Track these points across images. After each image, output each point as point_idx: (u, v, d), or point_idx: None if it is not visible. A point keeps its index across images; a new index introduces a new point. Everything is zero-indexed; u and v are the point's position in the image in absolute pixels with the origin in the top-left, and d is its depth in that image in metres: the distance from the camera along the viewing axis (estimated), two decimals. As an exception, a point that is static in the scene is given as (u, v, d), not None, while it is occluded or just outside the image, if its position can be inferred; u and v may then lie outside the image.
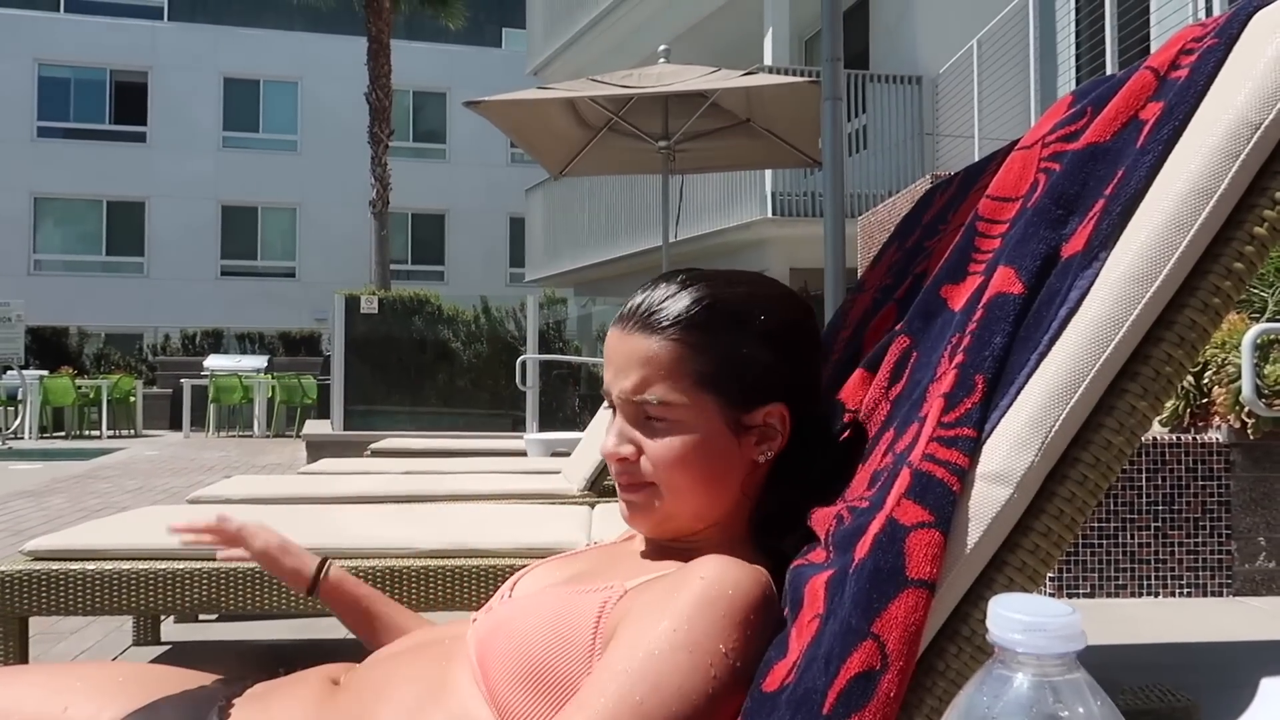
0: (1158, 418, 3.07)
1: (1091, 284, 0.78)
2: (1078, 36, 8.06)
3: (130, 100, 22.95)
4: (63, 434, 13.42)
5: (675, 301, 0.92)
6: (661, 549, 0.97)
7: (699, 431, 0.90)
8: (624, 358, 0.92)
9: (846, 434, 1.06)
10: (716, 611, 0.79)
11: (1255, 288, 3.70)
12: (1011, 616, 0.42)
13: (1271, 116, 0.76)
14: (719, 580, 0.81)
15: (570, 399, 10.15)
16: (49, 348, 17.17)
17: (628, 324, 0.93)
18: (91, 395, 13.69)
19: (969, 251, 0.99)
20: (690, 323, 0.91)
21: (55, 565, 1.88)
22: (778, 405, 0.93)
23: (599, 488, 2.82)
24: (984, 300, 0.85)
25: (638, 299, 0.94)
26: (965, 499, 0.75)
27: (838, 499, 0.93)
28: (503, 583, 1.08)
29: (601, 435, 3.22)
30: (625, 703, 0.75)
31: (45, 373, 13.67)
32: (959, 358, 0.82)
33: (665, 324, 0.91)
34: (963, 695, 0.43)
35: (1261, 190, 0.76)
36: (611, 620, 0.84)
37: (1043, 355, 0.77)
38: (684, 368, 0.90)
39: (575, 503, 2.72)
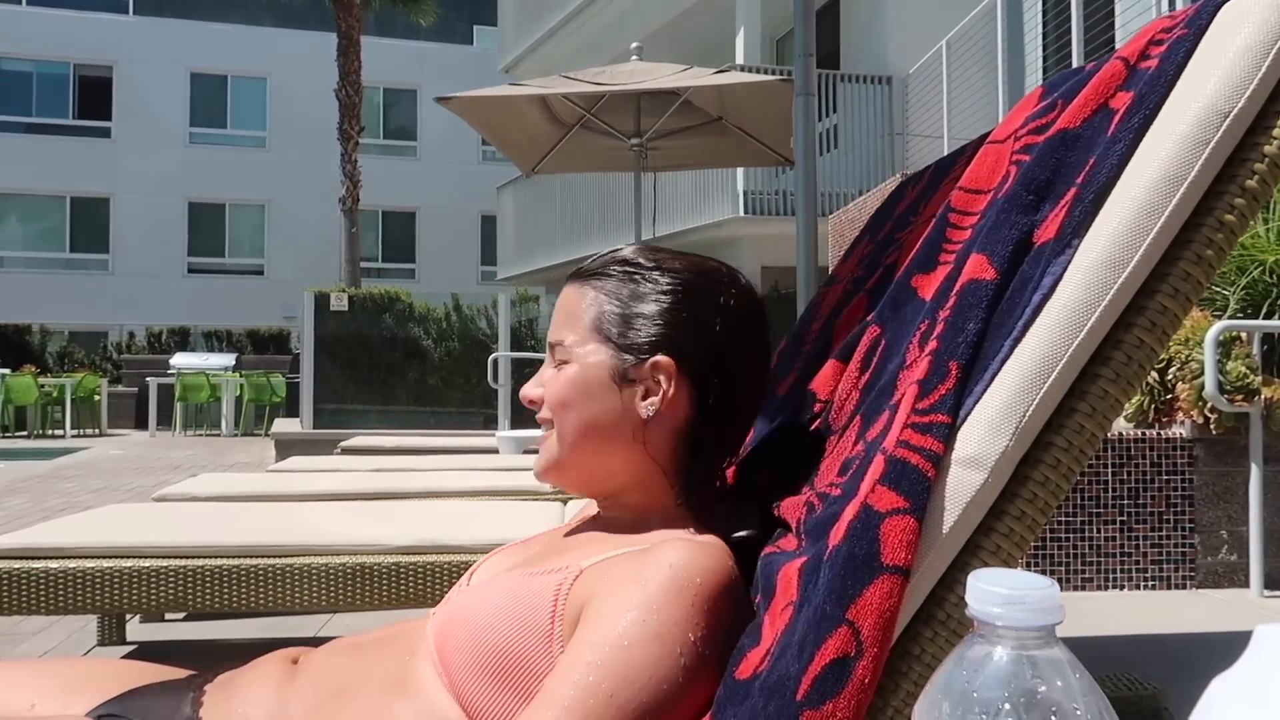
0: (1123, 414, 3.08)
1: (1065, 270, 0.78)
2: (1045, 38, 8.15)
3: (94, 95, 22.58)
4: (25, 433, 13.18)
5: (600, 259, 0.99)
6: (612, 527, 0.96)
7: (583, 374, 0.94)
8: (555, 311, 1.00)
9: (816, 423, 1.07)
10: (685, 600, 0.79)
11: (1217, 286, 3.76)
12: (991, 590, 0.42)
13: (1240, 104, 0.77)
14: (687, 567, 0.81)
15: (542, 397, 10.11)
16: (11, 346, 16.84)
17: (568, 280, 1.00)
18: (55, 394, 13.46)
19: (940, 242, 1.00)
20: (600, 276, 0.97)
21: (17, 564, 1.85)
22: (662, 358, 0.93)
23: (571, 484, 2.81)
24: (956, 288, 0.85)
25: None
26: (940, 484, 0.75)
27: (805, 486, 0.93)
28: (473, 578, 1.07)
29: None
30: (595, 695, 0.75)
31: (7, 371, 13.42)
32: (932, 344, 0.83)
33: (584, 277, 0.98)
34: (942, 670, 0.43)
35: (1231, 178, 0.77)
36: (572, 602, 0.83)
37: (1016, 341, 0.78)
38: (583, 314, 0.96)
39: (547, 499, 2.71)
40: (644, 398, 0.93)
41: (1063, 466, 0.75)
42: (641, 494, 0.95)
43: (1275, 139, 0.76)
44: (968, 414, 0.77)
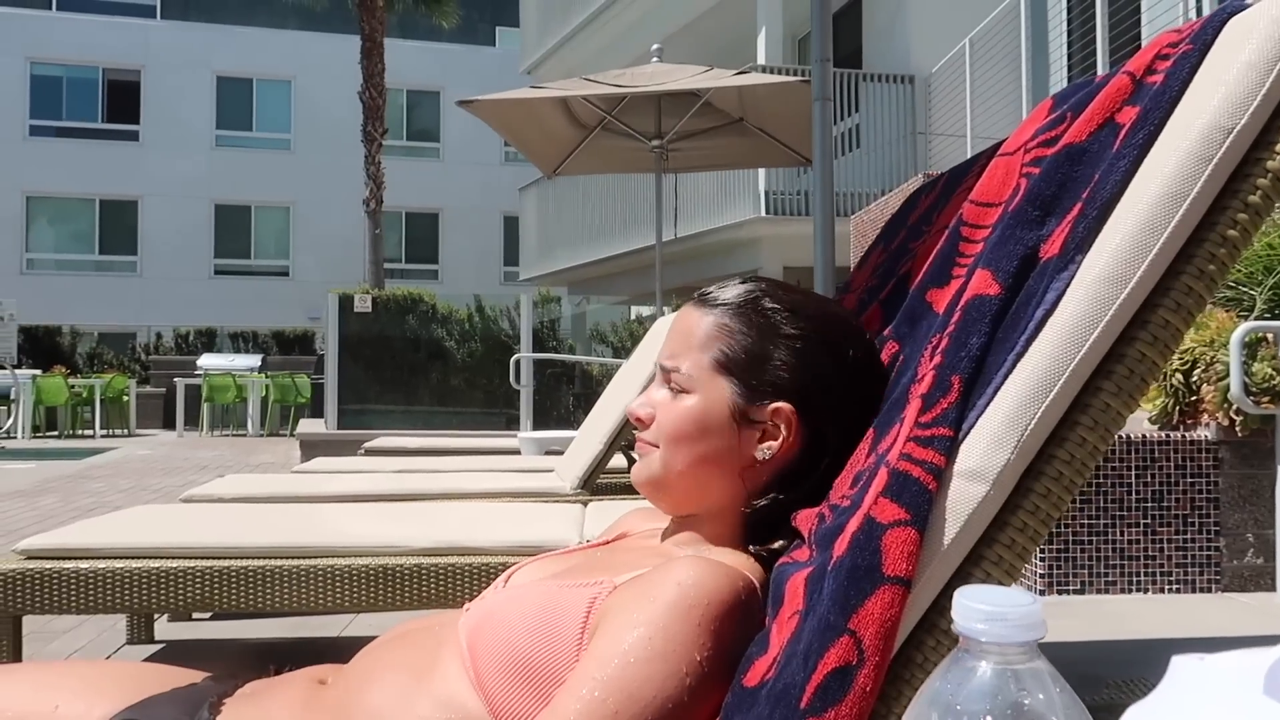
0: (1148, 416, 3.05)
1: (1068, 285, 0.79)
2: (1069, 36, 8.09)
3: (123, 99, 22.88)
4: (55, 434, 13.38)
5: (730, 290, 0.99)
6: (655, 546, 0.98)
7: (705, 409, 0.94)
8: (673, 330, 1.00)
9: None
10: (692, 620, 0.80)
11: (1244, 286, 3.72)
12: (974, 606, 0.44)
13: (1244, 121, 0.77)
14: (696, 587, 0.82)
15: (564, 398, 10.16)
16: (41, 347, 17.11)
17: (690, 302, 1.01)
18: (84, 395, 13.66)
19: (953, 256, 1.01)
20: (731, 310, 0.97)
21: (49, 564, 1.89)
22: (785, 405, 0.93)
23: (592, 486, 2.83)
24: (962, 302, 0.86)
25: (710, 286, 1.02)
26: (942, 496, 0.76)
27: (822, 499, 0.95)
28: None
29: (594, 434, 3.18)
30: (601, 711, 0.76)
31: (38, 372, 13.62)
32: (936, 359, 0.84)
33: (712, 306, 0.98)
34: (928, 684, 0.45)
35: (1234, 193, 0.78)
36: (598, 616, 0.85)
37: (1020, 355, 0.79)
38: (711, 348, 0.96)
39: (568, 501, 2.73)
40: (761, 440, 0.94)
41: (1065, 479, 0.76)
42: (718, 519, 0.96)
43: (1278, 154, 0.77)
44: (971, 427, 0.78)
